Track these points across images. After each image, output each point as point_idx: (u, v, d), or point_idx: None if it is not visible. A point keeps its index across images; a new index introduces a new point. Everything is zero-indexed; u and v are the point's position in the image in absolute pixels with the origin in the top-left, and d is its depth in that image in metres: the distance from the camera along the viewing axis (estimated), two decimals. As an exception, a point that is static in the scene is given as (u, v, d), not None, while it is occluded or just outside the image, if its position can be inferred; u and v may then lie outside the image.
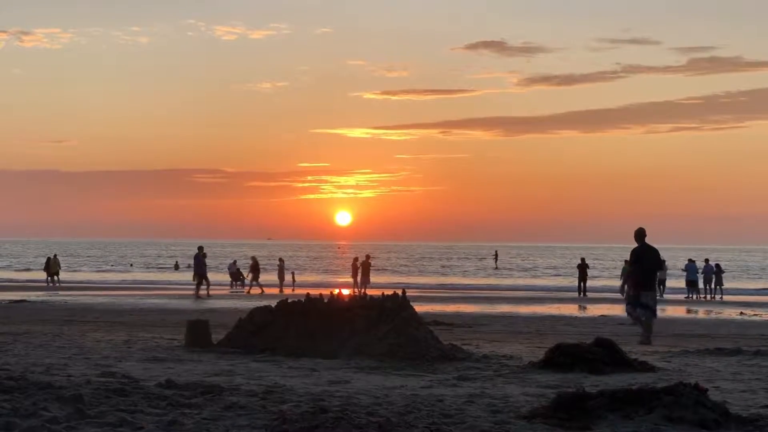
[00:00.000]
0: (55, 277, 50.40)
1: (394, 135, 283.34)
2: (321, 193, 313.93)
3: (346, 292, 17.46)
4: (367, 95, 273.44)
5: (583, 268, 44.82)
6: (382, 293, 15.83)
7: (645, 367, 13.46)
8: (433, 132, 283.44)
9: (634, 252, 17.66)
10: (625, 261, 41.55)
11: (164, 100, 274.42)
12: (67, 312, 27.27)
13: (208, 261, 41.34)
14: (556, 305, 35.81)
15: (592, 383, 11.48)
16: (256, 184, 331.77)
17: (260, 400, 9.53)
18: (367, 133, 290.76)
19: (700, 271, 43.78)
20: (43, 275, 53.53)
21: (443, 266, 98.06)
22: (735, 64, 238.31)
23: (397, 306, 15.11)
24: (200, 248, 39.85)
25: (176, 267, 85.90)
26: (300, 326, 15.45)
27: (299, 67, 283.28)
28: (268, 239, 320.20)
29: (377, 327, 14.82)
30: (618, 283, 27.09)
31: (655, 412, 8.39)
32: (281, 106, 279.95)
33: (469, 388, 11.21)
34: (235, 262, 56.03)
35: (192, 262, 41.11)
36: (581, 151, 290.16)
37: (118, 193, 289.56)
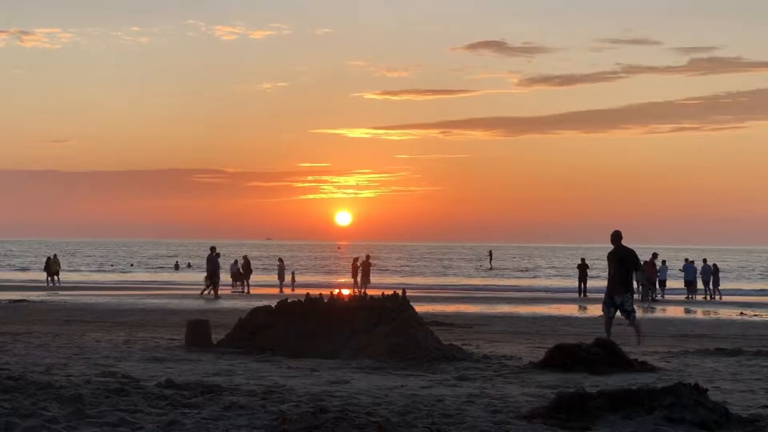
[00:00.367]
0: (55, 277, 50.39)
1: (394, 135, 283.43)
2: (321, 193, 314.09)
3: (346, 292, 17.46)
4: (368, 95, 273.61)
5: (583, 268, 44.80)
6: (382, 293, 15.83)
7: (645, 368, 13.46)
8: (434, 132, 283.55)
9: (610, 254, 17.82)
10: (644, 263, 41.61)
11: (164, 100, 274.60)
12: (67, 312, 27.27)
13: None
14: (556, 305, 35.80)
15: (592, 383, 11.48)
16: (257, 184, 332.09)
17: (260, 400, 9.54)
18: (368, 134, 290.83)
19: (699, 271, 43.79)
20: (41, 275, 53.55)
21: (443, 266, 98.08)
22: (735, 65, 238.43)
23: (397, 306, 15.11)
24: (213, 248, 39.66)
25: (176, 267, 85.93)
26: (300, 326, 15.45)
27: (299, 67, 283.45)
28: (267, 239, 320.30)
29: (377, 327, 14.82)
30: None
31: (655, 413, 8.38)
32: (281, 106, 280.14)
33: (469, 388, 11.21)
34: (236, 262, 56.03)
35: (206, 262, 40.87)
36: (582, 152, 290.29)
37: (118, 194, 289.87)
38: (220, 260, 39.62)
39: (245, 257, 48.28)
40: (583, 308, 33.86)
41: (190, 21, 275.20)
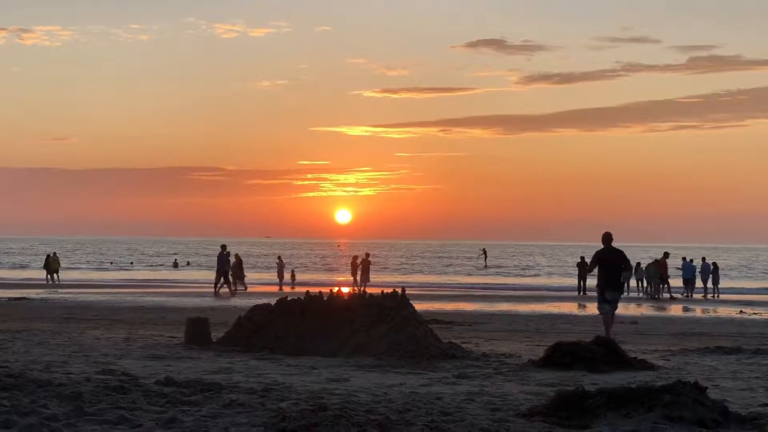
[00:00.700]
0: (55, 275, 50.38)
1: (394, 133, 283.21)
2: (321, 191, 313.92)
3: (345, 290, 17.46)
4: (367, 93, 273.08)
5: (582, 266, 44.75)
6: (382, 291, 15.83)
7: (644, 366, 13.47)
8: (433, 130, 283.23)
9: (597, 254, 18.48)
10: (655, 261, 41.51)
11: (164, 98, 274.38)
12: (66, 310, 27.27)
13: (214, 260, 41.21)
14: (555, 304, 35.80)
15: (592, 381, 11.49)
16: (256, 182, 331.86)
17: (259, 398, 9.54)
18: (367, 131, 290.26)
19: (698, 269, 43.78)
20: (40, 273, 53.54)
21: (443, 265, 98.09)
22: (735, 63, 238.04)
23: (396, 304, 15.11)
24: (224, 246, 39.50)
25: (175, 265, 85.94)
26: (299, 324, 15.45)
27: (299, 65, 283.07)
28: (266, 237, 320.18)
29: (377, 325, 14.83)
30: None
31: (655, 411, 8.39)
32: (281, 104, 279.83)
33: (469, 387, 11.22)
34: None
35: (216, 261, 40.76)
36: (581, 150, 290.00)
37: (118, 191, 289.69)
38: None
39: (236, 255, 48.35)
40: (582, 306, 33.84)
41: (190, 19, 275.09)
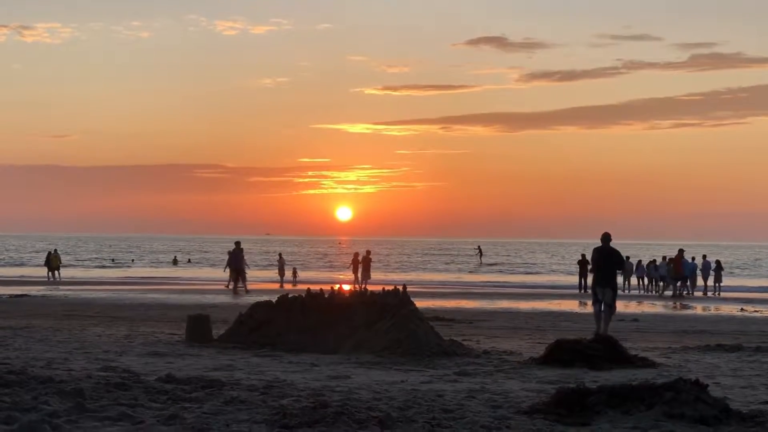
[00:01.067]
0: (56, 272, 50.38)
1: (394, 130, 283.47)
2: (321, 188, 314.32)
3: (346, 287, 17.47)
4: (368, 91, 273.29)
5: (583, 264, 44.72)
6: (383, 289, 15.83)
7: (645, 363, 13.47)
8: (434, 128, 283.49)
9: (594, 252, 19.53)
10: (669, 260, 41.37)
11: (165, 95, 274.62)
12: (67, 307, 27.28)
13: (215, 257, 41.08)
14: (556, 301, 35.79)
15: (592, 379, 11.50)
16: (257, 179, 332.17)
17: (261, 395, 9.55)
18: (368, 129, 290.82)
19: (699, 267, 43.77)
20: (40, 270, 53.56)
21: (444, 262, 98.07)
22: (736, 61, 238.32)
23: (397, 302, 15.11)
24: (237, 243, 39.25)
25: (175, 262, 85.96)
26: (300, 322, 15.46)
27: (300, 62, 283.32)
28: (267, 235, 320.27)
29: (378, 322, 14.83)
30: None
31: (655, 408, 8.39)
32: (282, 102, 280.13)
33: (470, 384, 11.22)
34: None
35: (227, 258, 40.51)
36: (582, 148, 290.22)
37: (119, 189, 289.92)
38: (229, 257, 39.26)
39: (229, 252, 48.31)
40: (583, 304, 33.82)
41: (191, 16, 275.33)
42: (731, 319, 27.26)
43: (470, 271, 77.79)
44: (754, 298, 39.78)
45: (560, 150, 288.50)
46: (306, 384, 10.76)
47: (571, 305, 33.27)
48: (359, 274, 43.88)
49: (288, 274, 49.88)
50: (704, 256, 45.32)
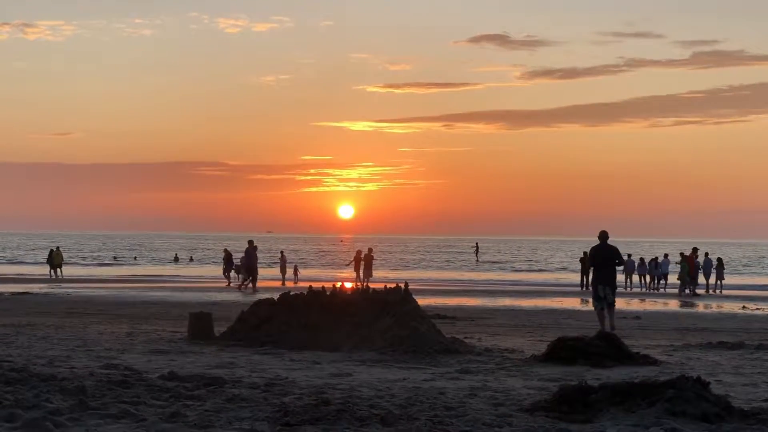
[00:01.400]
0: (58, 270, 50.41)
1: (396, 128, 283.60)
2: (324, 186, 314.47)
3: (348, 285, 17.47)
4: (370, 88, 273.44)
5: (585, 261, 44.78)
6: (385, 286, 15.82)
7: (647, 361, 13.47)
8: (436, 125, 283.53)
9: (592, 250, 20.16)
10: (682, 257, 41.28)
11: (167, 93, 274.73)
12: (69, 304, 27.29)
13: (218, 255, 40.99)
14: (558, 299, 35.78)
15: (594, 376, 11.49)
16: (259, 177, 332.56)
17: (262, 393, 9.55)
18: (370, 127, 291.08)
19: (701, 265, 43.76)
20: (43, 268, 53.59)
21: (446, 260, 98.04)
22: (738, 58, 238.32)
23: (399, 299, 15.11)
24: (251, 242, 39.13)
25: (176, 259, 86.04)
26: (302, 319, 15.46)
27: (302, 60, 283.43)
28: (268, 232, 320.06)
29: (379, 320, 14.83)
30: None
31: (657, 406, 8.39)
32: (284, 99, 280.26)
33: (471, 381, 11.22)
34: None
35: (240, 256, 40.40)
36: (584, 145, 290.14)
37: (121, 186, 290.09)
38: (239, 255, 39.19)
39: (225, 250, 48.37)
40: (585, 302, 33.82)
41: (193, 13, 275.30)
42: (733, 316, 27.25)
43: (472, 269, 77.76)
44: (756, 296, 39.76)
45: (562, 148, 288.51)
46: (308, 382, 10.76)
47: (573, 303, 33.26)
48: (361, 272, 43.89)
49: (290, 272, 49.89)
50: (706, 254, 45.30)
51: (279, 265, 48.79)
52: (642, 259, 45.96)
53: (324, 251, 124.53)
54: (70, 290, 36.95)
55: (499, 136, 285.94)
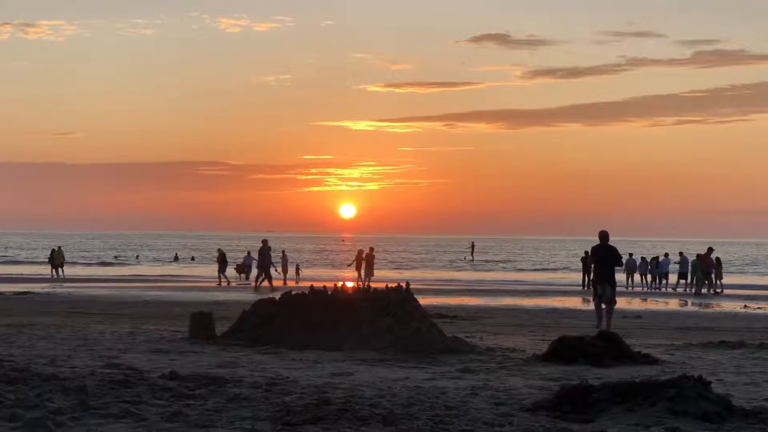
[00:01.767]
0: (60, 270, 50.42)
1: (398, 128, 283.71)
2: (325, 185, 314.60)
3: (350, 284, 17.47)
4: (371, 88, 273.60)
5: (587, 261, 44.76)
6: (386, 286, 15.82)
7: (648, 360, 13.47)
8: (437, 125, 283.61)
9: (592, 250, 20.71)
10: (698, 256, 41.17)
11: (168, 92, 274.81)
12: (71, 304, 27.31)
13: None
14: (559, 298, 35.78)
15: (596, 376, 11.49)
16: (260, 176, 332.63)
17: (264, 392, 9.55)
18: (371, 126, 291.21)
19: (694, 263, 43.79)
20: (44, 267, 53.62)
21: (448, 260, 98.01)
22: (740, 57, 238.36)
23: (400, 298, 15.11)
24: (264, 241, 39.12)
25: (176, 258, 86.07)
26: (303, 319, 15.45)
27: (303, 59, 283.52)
28: (269, 232, 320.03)
29: (381, 320, 14.82)
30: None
31: (658, 405, 8.39)
32: (285, 99, 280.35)
33: (473, 381, 11.22)
34: (249, 253, 56.01)
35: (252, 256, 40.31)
36: (585, 144, 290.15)
37: (122, 186, 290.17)
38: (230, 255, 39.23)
39: (219, 250, 48.40)
40: (586, 301, 33.81)
41: (194, 13, 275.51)
42: (735, 316, 27.24)
43: (472, 269, 77.69)
44: (757, 295, 39.73)
45: (563, 147, 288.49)
46: (309, 381, 10.76)
47: (574, 302, 33.25)
48: (362, 271, 43.88)
49: (291, 271, 49.88)
50: (698, 255, 45.24)
51: (280, 264, 48.77)
52: (643, 258, 45.96)
53: (325, 251, 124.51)
54: (71, 290, 36.97)
55: (500, 135, 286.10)
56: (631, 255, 46.53)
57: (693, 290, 40.30)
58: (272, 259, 40.12)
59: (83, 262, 79.81)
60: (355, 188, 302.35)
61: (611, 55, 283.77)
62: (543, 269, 77.63)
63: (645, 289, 43.73)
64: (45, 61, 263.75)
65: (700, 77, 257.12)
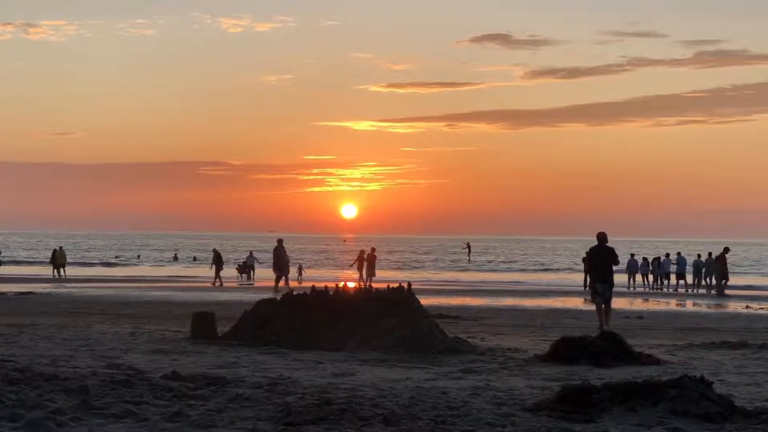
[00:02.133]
0: (61, 270, 50.44)
1: (399, 128, 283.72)
2: (326, 185, 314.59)
3: (351, 285, 17.46)
4: (373, 88, 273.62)
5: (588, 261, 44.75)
6: (388, 286, 15.82)
7: (650, 360, 13.47)
8: (439, 125, 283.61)
9: (591, 251, 21.40)
10: (715, 258, 41.01)
11: (169, 92, 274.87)
12: (72, 304, 27.31)
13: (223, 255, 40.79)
14: (561, 298, 35.76)
15: (597, 376, 11.49)
16: (262, 176, 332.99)
17: (265, 392, 9.55)
18: (373, 126, 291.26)
19: (703, 264, 43.73)
20: (46, 268, 53.63)
21: (450, 260, 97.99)
22: (742, 58, 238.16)
23: (402, 299, 15.11)
24: (280, 241, 39.00)
25: (175, 258, 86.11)
26: (305, 319, 15.45)
27: (305, 59, 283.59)
28: (269, 232, 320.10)
29: (382, 320, 14.82)
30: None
31: (660, 405, 8.38)
32: (287, 99, 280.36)
33: (474, 381, 11.22)
34: (251, 253, 56.02)
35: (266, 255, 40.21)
36: (587, 145, 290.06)
37: (123, 186, 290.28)
38: (230, 255, 39.23)
39: (215, 250, 48.38)
40: (588, 301, 33.79)
41: (196, 13, 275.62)
42: (737, 316, 27.22)
43: (479, 269, 77.69)
44: (760, 296, 39.70)
45: (565, 147, 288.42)
46: (310, 381, 10.76)
47: (575, 302, 33.22)
48: (364, 272, 43.86)
49: (293, 271, 49.88)
50: (709, 254, 45.24)
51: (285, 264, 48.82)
52: (645, 259, 45.95)
53: (327, 251, 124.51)
54: (73, 290, 36.98)
55: (502, 135, 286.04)
56: (632, 255, 46.52)
57: (714, 291, 40.25)
58: (288, 259, 39.96)
59: (84, 261, 79.84)
60: (357, 188, 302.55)
61: (613, 55, 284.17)
62: (545, 270, 77.59)
63: (647, 289, 43.72)
64: (46, 61, 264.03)
65: (702, 77, 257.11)
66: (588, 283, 43.87)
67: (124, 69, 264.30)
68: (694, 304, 33.22)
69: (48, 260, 55.13)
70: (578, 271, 58.64)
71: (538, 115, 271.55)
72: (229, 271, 53.94)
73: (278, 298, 16.46)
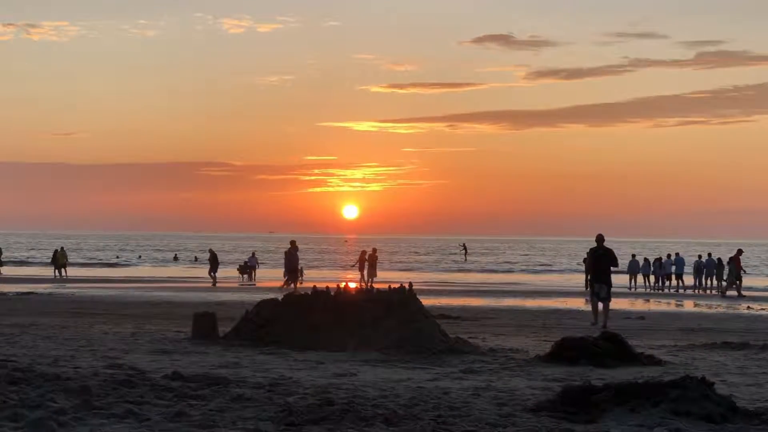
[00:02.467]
0: (63, 270, 50.46)
1: (401, 128, 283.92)
2: (328, 186, 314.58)
3: (353, 285, 17.46)
4: (374, 89, 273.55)
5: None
6: (389, 286, 15.82)
7: (651, 361, 13.46)
8: (440, 125, 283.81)
9: (594, 252, 21.99)
10: (730, 259, 40.90)
11: (171, 93, 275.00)
12: (74, 304, 27.32)
13: (224, 256, 40.80)
14: (562, 299, 35.75)
15: (598, 377, 11.49)
16: (263, 177, 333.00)
17: (267, 393, 9.55)
18: (374, 127, 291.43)
19: (703, 264, 43.75)
20: (47, 268, 53.63)
21: (452, 260, 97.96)
22: (743, 58, 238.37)
23: (403, 299, 15.11)
24: (293, 242, 38.90)
25: (175, 258, 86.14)
26: (306, 319, 15.45)
27: (306, 60, 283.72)
28: (270, 233, 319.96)
29: (384, 320, 14.82)
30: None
31: (662, 406, 8.38)
32: (288, 100, 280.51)
33: (475, 381, 11.22)
34: (253, 254, 56.03)
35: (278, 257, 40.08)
36: (588, 145, 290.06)
37: (125, 187, 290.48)
38: (229, 255, 39.28)
39: (211, 250, 48.37)
40: (588, 302, 33.78)
41: (198, 14, 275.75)
42: (738, 316, 27.21)
43: (482, 269, 77.68)
44: (761, 296, 39.68)
45: (566, 148, 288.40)
46: (312, 381, 10.77)
47: (577, 303, 33.20)
48: (365, 272, 43.85)
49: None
50: (709, 254, 45.25)
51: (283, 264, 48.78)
52: (646, 260, 45.95)
53: (328, 251, 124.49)
54: (74, 290, 36.98)
55: (503, 136, 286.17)
56: (634, 256, 46.51)
57: (716, 291, 40.28)
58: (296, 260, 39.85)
59: (85, 261, 79.84)
60: (358, 189, 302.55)
61: (614, 56, 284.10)
62: (546, 270, 77.57)
63: (648, 290, 43.71)
64: (48, 62, 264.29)
65: (703, 78, 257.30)
66: (588, 284, 44.06)
67: (125, 69, 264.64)
68: (695, 305, 33.21)
69: (49, 260, 55.11)
70: (579, 271, 58.64)
71: (539, 115, 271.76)
72: (229, 272, 53.98)
73: (280, 298, 16.47)
